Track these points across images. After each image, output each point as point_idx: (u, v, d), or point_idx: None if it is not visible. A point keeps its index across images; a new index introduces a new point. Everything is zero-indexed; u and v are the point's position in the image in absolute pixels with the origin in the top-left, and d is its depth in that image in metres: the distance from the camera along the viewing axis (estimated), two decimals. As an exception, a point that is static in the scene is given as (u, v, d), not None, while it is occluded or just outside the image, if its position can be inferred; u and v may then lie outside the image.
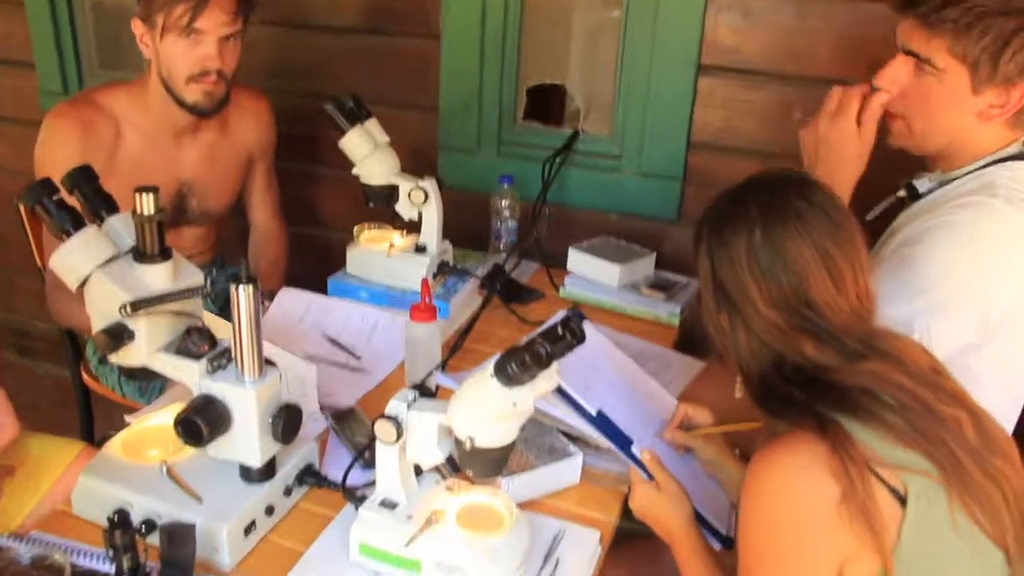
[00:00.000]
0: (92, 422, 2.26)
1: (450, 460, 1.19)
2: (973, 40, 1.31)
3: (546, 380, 1.08)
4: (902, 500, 0.99)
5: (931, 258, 1.35)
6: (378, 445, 1.19)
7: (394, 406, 1.17)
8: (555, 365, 1.08)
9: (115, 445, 1.35)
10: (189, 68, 1.81)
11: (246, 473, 1.26)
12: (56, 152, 1.85)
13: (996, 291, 1.32)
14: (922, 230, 1.38)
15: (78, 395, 2.24)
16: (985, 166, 1.41)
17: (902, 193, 1.52)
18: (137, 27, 1.82)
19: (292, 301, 1.86)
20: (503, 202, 2.19)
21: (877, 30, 1.89)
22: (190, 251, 2.11)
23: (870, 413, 1.03)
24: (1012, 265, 1.33)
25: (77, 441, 1.66)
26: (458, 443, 1.12)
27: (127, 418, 1.51)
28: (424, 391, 1.21)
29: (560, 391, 1.32)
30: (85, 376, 2.18)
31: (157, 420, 1.42)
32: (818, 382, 1.08)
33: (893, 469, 1.00)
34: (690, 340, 1.91)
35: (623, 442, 1.36)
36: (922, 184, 1.48)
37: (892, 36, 1.46)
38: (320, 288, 1.95)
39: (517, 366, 1.04)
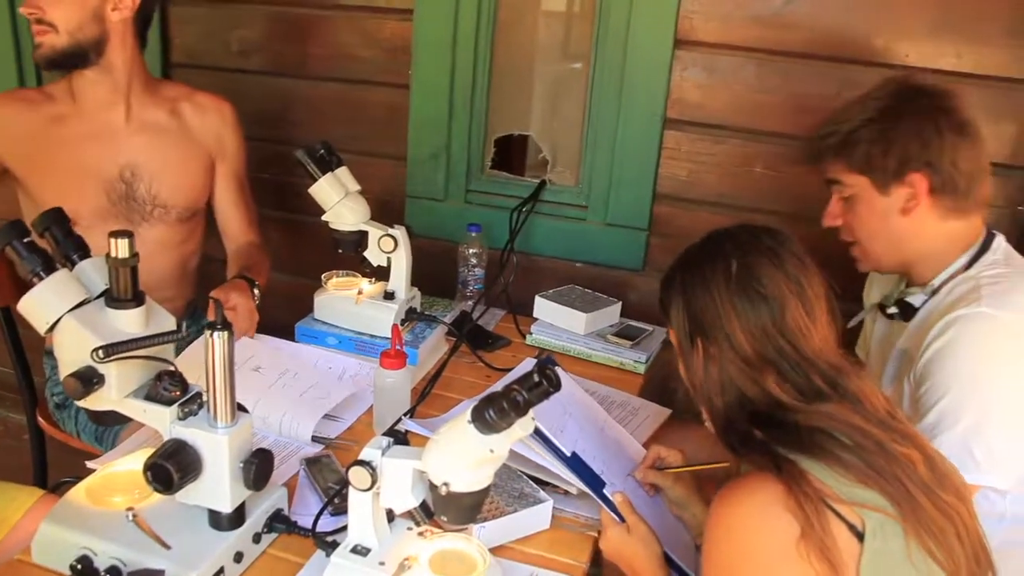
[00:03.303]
0: (46, 468, 2.21)
1: (423, 506, 1.19)
2: (854, 154, 1.50)
3: (522, 427, 1.09)
4: (859, 536, 1.02)
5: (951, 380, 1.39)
6: (351, 491, 1.19)
7: (369, 452, 1.17)
8: (531, 412, 1.09)
9: (79, 491, 1.33)
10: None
11: (215, 519, 1.25)
12: None
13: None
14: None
15: (33, 440, 2.19)
16: (967, 266, 1.49)
17: (893, 310, 1.58)
18: None
19: (258, 346, 1.85)
20: (470, 250, 2.21)
21: (830, 88, 1.98)
22: (156, 263, 2.02)
23: (826, 452, 1.06)
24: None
25: (35, 488, 1.63)
26: (433, 488, 1.13)
27: (89, 464, 1.48)
28: (397, 438, 1.21)
29: (536, 432, 1.33)
30: (41, 420, 2.14)
31: (122, 466, 1.40)
32: (776, 422, 1.12)
33: (850, 505, 1.03)
34: (658, 391, 1.93)
35: (596, 484, 1.38)
36: (916, 299, 1.54)
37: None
38: (287, 334, 1.94)
39: (495, 413, 1.05)
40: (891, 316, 1.60)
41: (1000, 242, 1.52)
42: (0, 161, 1.92)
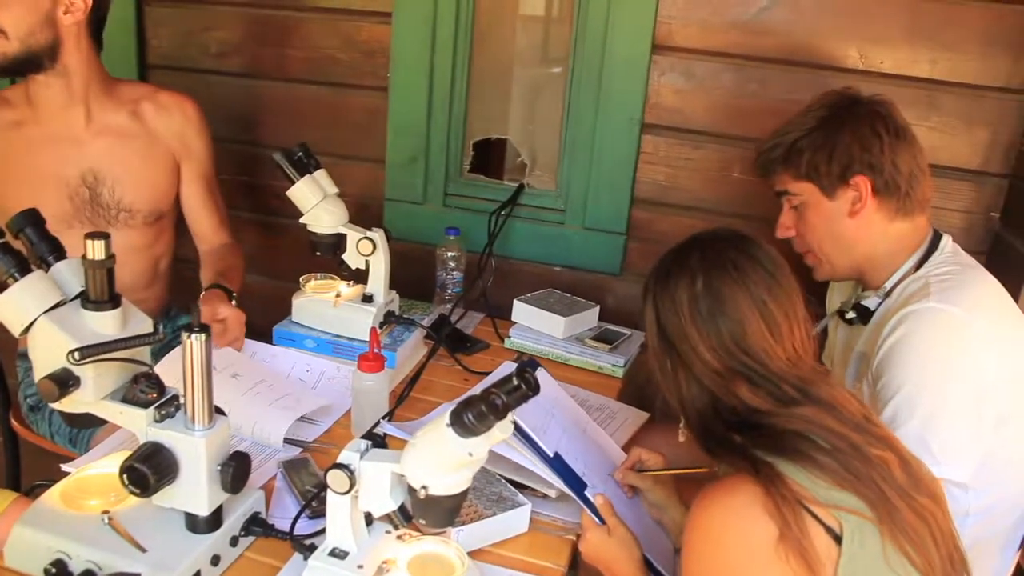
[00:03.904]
0: (19, 471, 2.19)
1: (402, 509, 1.19)
2: (800, 162, 1.57)
3: (501, 430, 1.09)
4: (837, 538, 1.03)
5: (908, 372, 1.42)
6: (329, 494, 1.19)
7: (347, 456, 1.17)
8: (510, 415, 1.09)
9: (53, 494, 1.31)
10: None
11: (192, 523, 1.24)
12: None
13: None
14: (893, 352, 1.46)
15: (6, 442, 2.16)
16: (916, 266, 1.55)
17: (851, 315, 1.63)
18: None
19: (236, 352, 1.84)
20: (449, 253, 2.21)
21: (807, 94, 2.00)
22: (126, 267, 1.94)
23: (803, 455, 1.07)
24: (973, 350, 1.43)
25: (8, 491, 1.60)
26: (412, 492, 1.13)
27: (64, 467, 1.47)
28: (376, 441, 1.21)
29: (519, 431, 1.33)
30: (14, 423, 2.12)
31: (97, 469, 1.38)
32: (754, 426, 1.13)
33: (827, 508, 1.04)
34: (636, 395, 1.94)
35: (577, 485, 1.38)
36: (871, 302, 1.59)
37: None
38: (264, 337, 1.93)
39: (473, 416, 1.05)
40: (850, 321, 1.64)
41: (947, 242, 1.57)
42: None
